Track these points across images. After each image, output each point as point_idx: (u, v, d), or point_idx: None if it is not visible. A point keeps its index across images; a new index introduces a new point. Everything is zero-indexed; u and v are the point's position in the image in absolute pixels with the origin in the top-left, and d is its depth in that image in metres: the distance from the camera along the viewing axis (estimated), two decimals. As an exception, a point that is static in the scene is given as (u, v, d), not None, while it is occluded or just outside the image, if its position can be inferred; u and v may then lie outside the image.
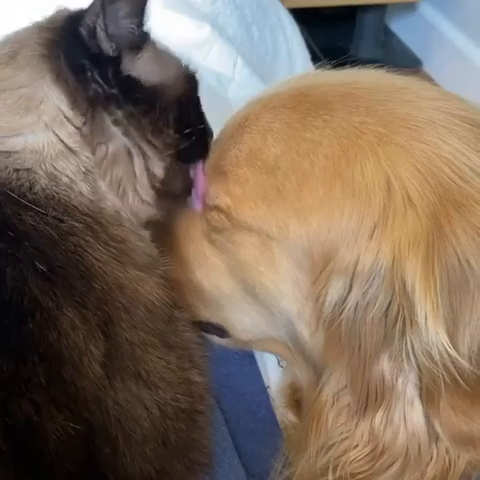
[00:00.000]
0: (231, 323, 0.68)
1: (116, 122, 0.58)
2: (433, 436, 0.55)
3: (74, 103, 0.56)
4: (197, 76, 0.67)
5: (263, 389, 0.79)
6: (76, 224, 0.55)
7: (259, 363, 0.81)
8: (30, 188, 0.56)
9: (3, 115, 0.57)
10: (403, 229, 0.51)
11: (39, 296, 0.50)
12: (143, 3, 0.57)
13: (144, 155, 0.60)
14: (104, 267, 0.54)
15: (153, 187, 0.61)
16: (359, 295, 0.53)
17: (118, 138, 0.58)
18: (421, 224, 0.50)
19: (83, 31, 0.56)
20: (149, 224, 0.64)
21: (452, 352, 0.49)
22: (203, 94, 1.06)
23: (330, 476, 0.58)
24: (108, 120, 0.58)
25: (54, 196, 0.56)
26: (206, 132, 0.64)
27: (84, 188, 0.57)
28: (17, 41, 0.59)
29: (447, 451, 0.55)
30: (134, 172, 0.60)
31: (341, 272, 0.54)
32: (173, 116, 0.60)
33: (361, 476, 0.57)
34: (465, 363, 0.50)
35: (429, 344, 0.50)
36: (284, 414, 0.78)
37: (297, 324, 0.60)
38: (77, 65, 0.56)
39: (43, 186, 0.56)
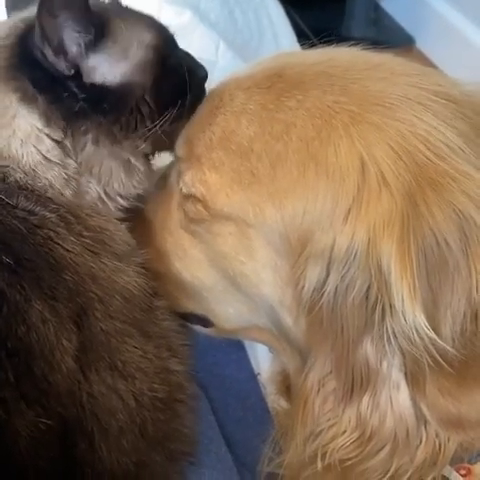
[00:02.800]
0: (214, 313, 0.67)
1: (86, 132, 0.58)
2: (421, 419, 0.54)
3: (48, 120, 0.56)
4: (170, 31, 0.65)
5: (252, 376, 0.79)
6: (48, 214, 0.54)
7: (249, 350, 0.81)
8: (3, 179, 0.55)
9: None
10: (378, 210, 0.50)
11: (6, 289, 0.49)
12: (82, 5, 0.55)
13: (120, 158, 0.60)
14: (76, 258, 0.54)
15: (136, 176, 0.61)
16: (338, 279, 0.52)
17: (89, 147, 0.58)
18: (396, 204, 0.49)
19: (37, 54, 0.55)
20: (127, 215, 0.63)
21: (431, 334, 0.48)
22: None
23: (319, 464, 0.57)
24: (82, 131, 0.57)
25: (27, 187, 0.55)
26: (196, 84, 0.63)
27: (66, 190, 0.57)
28: None
29: (437, 434, 0.54)
30: (112, 171, 0.60)
31: (318, 256, 0.53)
32: (147, 109, 0.60)
33: (350, 462, 0.56)
34: (446, 345, 0.49)
35: (408, 327, 0.49)
36: (276, 401, 0.77)
37: (279, 311, 0.59)
38: (42, 86, 0.56)
39: (17, 179, 0.56)
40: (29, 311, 0.49)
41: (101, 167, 0.59)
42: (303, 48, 1.32)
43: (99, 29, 0.57)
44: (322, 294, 0.53)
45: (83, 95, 0.57)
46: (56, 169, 0.57)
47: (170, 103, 0.60)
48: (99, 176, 0.59)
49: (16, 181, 0.55)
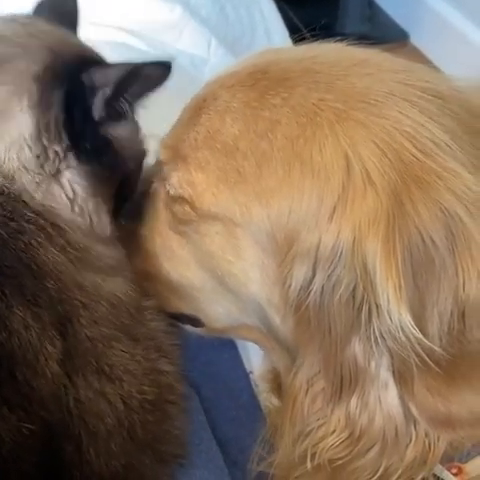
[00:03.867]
0: (204, 313, 0.66)
1: (71, 170, 0.58)
2: (410, 418, 0.54)
3: (41, 133, 0.56)
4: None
5: (245, 375, 0.79)
6: (26, 225, 0.54)
7: (241, 349, 0.81)
8: None
9: None
10: (363, 208, 0.49)
11: None
12: (150, 89, 0.60)
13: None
14: (59, 267, 0.53)
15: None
16: (324, 278, 0.51)
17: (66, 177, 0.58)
18: (381, 202, 0.49)
19: (86, 81, 0.57)
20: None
21: (417, 334, 0.48)
22: (178, 77, 1.05)
23: (308, 463, 0.57)
24: (69, 164, 0.58)
25: (4, 191, 0.54)
26: None
27: (40, 196, 0.57)
28: (16, 45, 0.58)
29: (426, 433, 0.54)
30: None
31: (304, 255, 0.52)
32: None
33: (340, 462, 0.56)
34: (432, 344, 0.49)
35: (393, 326, 0.48)
36: (268, 399, 0.77)
37: (268, 310, 0.59)
38: (67, 105, 0.56)
39: None
40: (10, 317, 0.48)
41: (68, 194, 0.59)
42: (296, 44, 1.32)
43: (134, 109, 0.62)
44: (309, 293, 0.52)
45: (90, 138, 0.58)
46: (30, 176, 0.56)
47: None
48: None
49: None
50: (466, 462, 0.57)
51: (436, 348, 0.49)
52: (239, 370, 0.78)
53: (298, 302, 0.54)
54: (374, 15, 2.17)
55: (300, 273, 0.53)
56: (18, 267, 0.51)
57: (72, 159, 0.58)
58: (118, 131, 0.61)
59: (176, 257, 0.64)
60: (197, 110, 0.60)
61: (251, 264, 0.58)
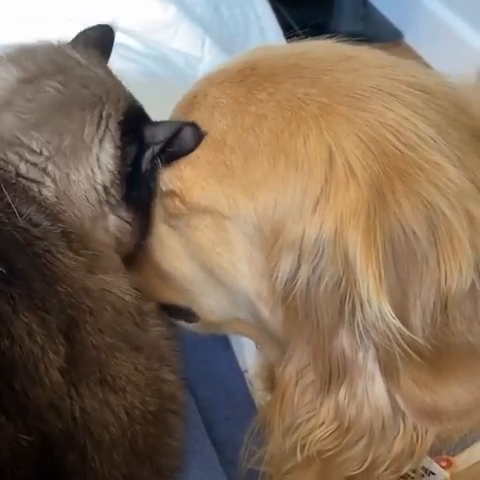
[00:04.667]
0: (198, 306, 0.67)
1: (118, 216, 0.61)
2: (398, 411, 0.54)
3: (113, 180, 0.60)
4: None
5: (240, 374, 0.79)
6: (52, 228, 0.55)
7: (235, 348, 0.81)
8: (24, 190, 0.56)
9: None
10: (345, 200, 0.50)
11: None
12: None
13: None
14: (72, 273, 0.54)
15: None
16: (309, 270, 0.52)
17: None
18: (362, 194, 0.49)
19: (146, 136, 0.60)
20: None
21: (397, 323, 0.48)
22: (172, 76, 1.06)
23: (298, 456, 0.57)
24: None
25: (44, 202, 0.56)
26: None
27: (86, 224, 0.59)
28: (101, 87, 0.61)
29: (414, 426, 0.54)
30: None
31: (289, 247, 0.53)
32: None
33: (329, 454, 0.56)
34: (414, 335, 0.49)
35: (374, 316, 0.49)
36: (263, 397, 0.77)
37: (257, 303, 0.59)
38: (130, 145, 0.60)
39: (43, 195, 0.57)
40: (15, 323, 0.48)
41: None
42: (290, 43, 1.32)
43: None
44: (295, 285, 0.53)
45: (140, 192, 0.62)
46: (90, 209, 0.59)
47: None
48: None
49: (36, 198, 0.57)
50: (455, 455, 0.57)
51: (418, 339, 0.49)
52: (234, 369, 0.78)
53: (285, 294, 0.54)
54: (368, 14, 2.17)
55: (286, 265, 0.53)
56: (30, 271, 0.51)
57: (123, 207, 0.61)
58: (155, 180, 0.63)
59: (168, 249, 0.65)
60: (188, 106, 0.61)
61: (240, 257, 0.58)
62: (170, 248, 0.65)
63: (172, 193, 0.60)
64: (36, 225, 0.54)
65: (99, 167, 0.58)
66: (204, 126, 0.58)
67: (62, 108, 0.58)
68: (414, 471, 0.57)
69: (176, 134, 0.59)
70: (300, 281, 0.52)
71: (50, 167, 0.57)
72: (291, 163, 0.53)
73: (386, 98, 0.53)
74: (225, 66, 0.62)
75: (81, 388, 0.51)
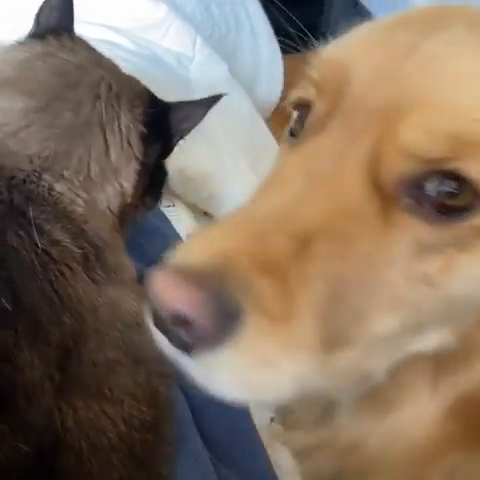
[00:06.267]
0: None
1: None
2: None
3: (138, 188, 0.63)
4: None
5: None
6: (73, 248, 0.56)
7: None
8: (55, 204, 0.58)
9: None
10: None
11: None
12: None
13: None
14: (82, 296, 0.54)
15: None
16: None
17: None
18: None
19: (173, 131, 0.63)
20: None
21: None
22: (163, 75, 1.05)
23: None
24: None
25: (71, 216, 0.58)
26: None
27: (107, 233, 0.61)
28: (111, 97, 0.62)
29: None
30: None
31: None
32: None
33: None
34: None
35: None
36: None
37: None
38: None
39: (72, 209, 0.59)
40: (17, 355, 0.49)
41: None
42: (281, 44, 1.32)
43: None
44: None
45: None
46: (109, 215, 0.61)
47: None
48: None
49: (66, 209, 0.58)
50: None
51: None
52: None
53: None
54: (359, 15, 2.18)
55: None
56: (39, 302, 0.51)
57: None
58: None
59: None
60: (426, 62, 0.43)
61: None
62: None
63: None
64: (55, 244, 0.54)
65: (126, 180, 0.61)
66: None
67: (84, 131, 0.59)
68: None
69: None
70: None
71: (80, 191, 0.59)
72: None
73: None
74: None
75: (76, 402, 0.52)
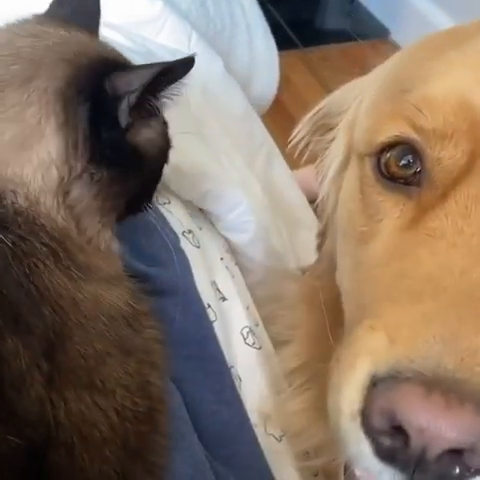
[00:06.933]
0: None
1: (92, 177, 0.58)
2: None
3: (69, 152, 0.56)
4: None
5: (226, 369, 0.78)
6: (39, 246, 0.54)
7: (223, 343, 0.80)
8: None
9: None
10: None
11: None
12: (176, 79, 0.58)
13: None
14: (60, 290, 0.54)
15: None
16: None
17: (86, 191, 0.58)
18: None
19: (109, 89, 0.56)
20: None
21: None
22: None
23: None
24: (92, 177, 0.58)
25: (23, 213, 0.55)
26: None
27: (59, 219, 0.57)
28: (33, 62, 0.57)
29: None
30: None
31: None
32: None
33: None
34: None
35: None
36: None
37: None
38: (94, 119, 0.56)
39: (16, 204, 0.55)
40: (2, 345, 0.49)
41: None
42: (276, 39, 1.32)
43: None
44: None
45: (118, 150, 0.58)
46: (53, 198, 0.57)
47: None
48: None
49: (13, 205, 0.55)
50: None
51: None
52: (221, 364, 0.78)
53: None
54: (354, 11, 2.18)
55: None
56: (16, 294, 0.51)
57: (86, 176, 0.58)
58: (145, 134, 0.60)
59: None
60: None
61: None
62: None
63: None
64: (23, 239, 0.54)
65: (47, 144, 0.55)
66: None
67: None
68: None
69: (161, 75, 0.55)
70: None
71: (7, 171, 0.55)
72: None
73: None
74: None
75: (67, 393, 0.52)
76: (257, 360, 0.84)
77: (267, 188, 1.04)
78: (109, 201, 0.60)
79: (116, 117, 0.56)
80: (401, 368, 0.37)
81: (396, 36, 2.10)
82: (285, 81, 1.58)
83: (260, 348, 0.86)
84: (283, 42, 1.59)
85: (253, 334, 0.87)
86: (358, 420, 0.40)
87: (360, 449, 0.40)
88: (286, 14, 1.87)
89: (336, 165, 0.69)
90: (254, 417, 0.77)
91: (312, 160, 0.76)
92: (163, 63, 0.57)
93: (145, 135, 0.60)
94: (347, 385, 0.43)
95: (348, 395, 0.42)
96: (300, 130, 0.74)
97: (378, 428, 0.38)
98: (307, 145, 0.75)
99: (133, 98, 0.55)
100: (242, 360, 0.83)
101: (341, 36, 1.89)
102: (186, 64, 0.59)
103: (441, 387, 0.35)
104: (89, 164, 0.57)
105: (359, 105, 0.66)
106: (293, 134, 0.69)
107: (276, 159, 1.13)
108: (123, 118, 0.56)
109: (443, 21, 1.93)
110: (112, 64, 0.58)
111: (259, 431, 0.77)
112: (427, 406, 0.34)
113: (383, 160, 0.53)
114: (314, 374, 0.70)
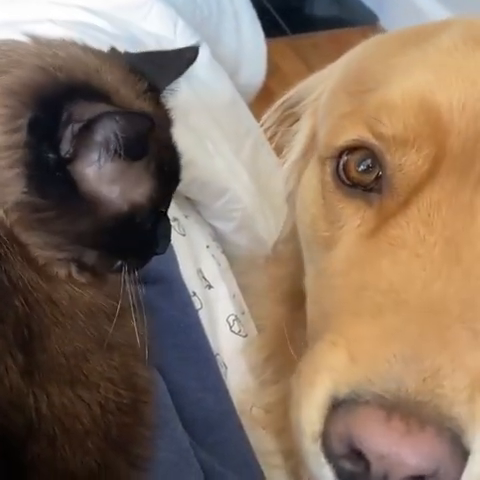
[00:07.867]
0: None
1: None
2: None
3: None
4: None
5: (212, 357, 0.78)
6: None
7: (208, 331, 0.80)
8: None
9: None
10: None
11: None
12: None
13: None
14: (33, 284, 0.53)
15: None
16: None
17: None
18: None
19: (64, 111, 0.51)
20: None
21: None
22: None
23: None
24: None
25: None
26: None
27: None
28: (16, 61, 0.55)
29: None
30: None
31: None
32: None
33: None
34: None
35: None
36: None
37: None
38: (36, 130, 0.52)
39: None
40: None
41: None
42: (264, 26, 1.32)
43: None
44: None
45: (49, 174, 0.52)
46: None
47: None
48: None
49: None
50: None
51: None
52: (206, 352, 0.78)
53: None
54: (344, -1, 2.18)
55: None
56: None
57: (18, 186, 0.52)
58: (90, 171, 0.53)
59: None
60: None
61: None
62: None
63: None
64: None
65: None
66: None
67: None
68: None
69: (113, 118, 0.50)
70: None
71: None
72: None
73: None
74: None
75: (50, 388, 0.52)
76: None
77: (254, 176, 1.04)
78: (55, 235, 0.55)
79: (59, 141, 0.52)
80: (361, 390, 0.36)
81: (385, 22, 2.10)
82: (274, 68, 1.58)
83: (246, 336, 0.86)
84: (272, 29, 1.59)
85: (239, 322, 0.87)
86: (319, 442, 0.39)
87: (322, 473, 0.39)
88: (275, 1, 1.87)
89: (299, 148, 0.68)
90: (239, 404, 0.78)
91: (278, 151, 0.74)
92: (125, 111, 0.53)
93: (89, 172, 0.53)
94: (307, 404, 0.42)
95: (309, 415, 0.41)
96: (266, 120, 0.72)
97: (338, 453, 0.37)
98: (273, 136, 0.73)
99: (76, 128, 0.51)
100: (228, 348, 0.84)
101: (330, 23, 1.90)
102: (141, 121, 0.53)
103: (401, 411, 0.34)
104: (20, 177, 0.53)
105: (323, 93, 0.66)
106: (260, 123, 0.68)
107: (263, 147, 1.13)
108: (65, 145, 0.52)
109: (431, 8, 1.93)
110: (89, 91, 0.54)
111: (244, 418, 0.77)
112: (387, 432, 0.34)
113: (341, 163, 0.51)
114: (281, 366, 0.70)
